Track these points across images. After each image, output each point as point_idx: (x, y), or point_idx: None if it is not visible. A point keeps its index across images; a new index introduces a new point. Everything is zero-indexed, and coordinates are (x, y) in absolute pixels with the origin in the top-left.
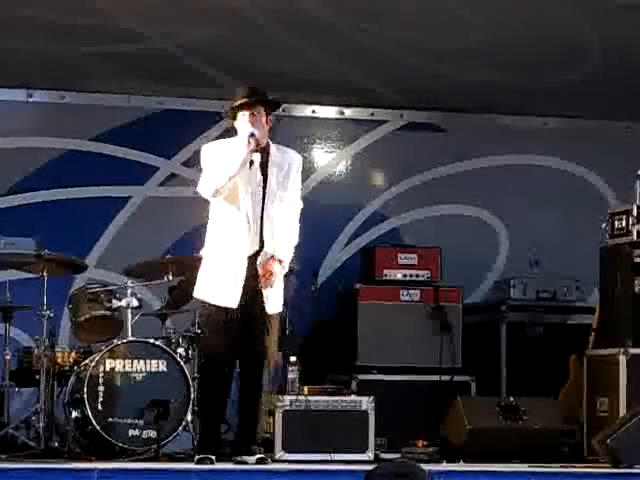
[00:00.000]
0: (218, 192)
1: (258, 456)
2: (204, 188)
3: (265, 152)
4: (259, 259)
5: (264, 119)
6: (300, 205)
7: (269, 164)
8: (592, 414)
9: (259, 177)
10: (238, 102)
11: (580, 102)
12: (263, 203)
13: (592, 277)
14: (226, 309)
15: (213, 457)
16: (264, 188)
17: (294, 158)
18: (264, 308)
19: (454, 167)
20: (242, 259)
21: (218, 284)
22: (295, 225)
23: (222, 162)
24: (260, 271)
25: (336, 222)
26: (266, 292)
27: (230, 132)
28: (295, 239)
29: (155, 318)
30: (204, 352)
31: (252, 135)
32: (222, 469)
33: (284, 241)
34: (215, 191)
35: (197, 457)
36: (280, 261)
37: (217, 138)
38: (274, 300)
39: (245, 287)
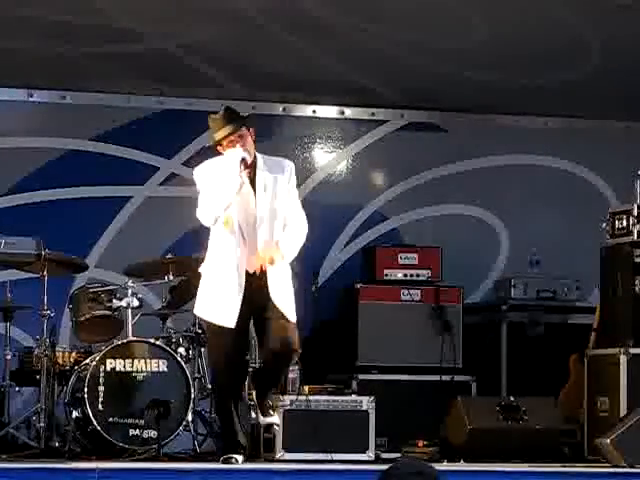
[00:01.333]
0: (217, 221)
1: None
2: (203, 217)
3: (252, 167)
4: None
5: (249, 137)
6: (300, 211)
7: (257, 179)
8: (593, 414)
9: (249, 193)
10: (221, 135)
11: (580, 102)
12: (256, 218)
13: (592, 277)
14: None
15: (237, 457)
16: (255, 204)
17: (283, 166)
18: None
19: (454, 167)
20: (240, 278)
21: (217, 303)
22: (300, 230)
23: (216, 184)
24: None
25: (336, 222)
26: (280, 302)
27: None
28: (300, 240)
29: (156, 318)
30: (212, 367)
31: (243, 160)
32: (222, 469)
33: (288, 240)
34: (214, 220)
35: (223, 457)
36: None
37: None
38: (289, 309)
39: (254, 302)
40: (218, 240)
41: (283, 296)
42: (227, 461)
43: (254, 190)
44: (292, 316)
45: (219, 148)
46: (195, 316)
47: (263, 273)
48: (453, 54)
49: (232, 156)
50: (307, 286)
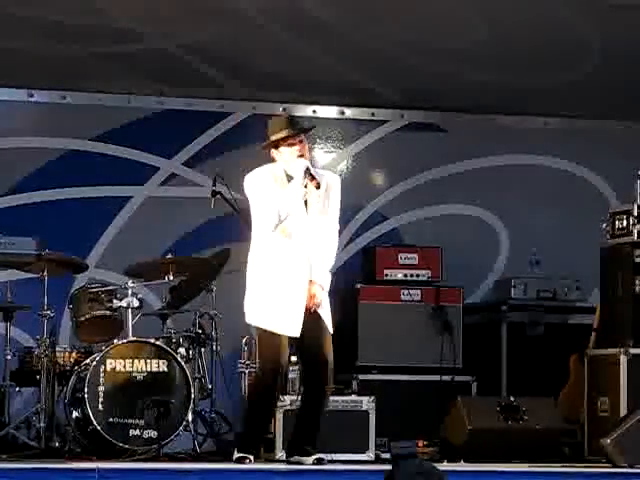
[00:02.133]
0: (277, 227)
1: (315, 457)
2: (264, 225)
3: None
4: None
5: (307, 146)
6: (337, 227)
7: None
8: (593, 414)
9: (301, 203)
10: (281, 135)
11: (580, 102)
12: (308, 228)
13: (592, 277)
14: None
15: (251, 457)
16: (308, 214)
17: (332, 180)
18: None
19: (454, 167)
20: (301, 285)
21: (279, 312)
22: (333, 248)
23: (275, 192)
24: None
25: None
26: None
27: (229, 135)
28: (332, 262)
29: (156, 318)
30: (262, 368)
31: (308, 170)
32: (222, 469)
33: (322, 265)
34: (275, 228)
35: (236, 456)
36: (320, 286)
37: (217, 138)
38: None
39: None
40: (272, 247)
41: (325, 309)
42: (241, 461)
43: (305, 201)
44: (330, 328)
45: (273, 151)
46: (195, 316)
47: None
48: (453, 54)
49: (296, 165)
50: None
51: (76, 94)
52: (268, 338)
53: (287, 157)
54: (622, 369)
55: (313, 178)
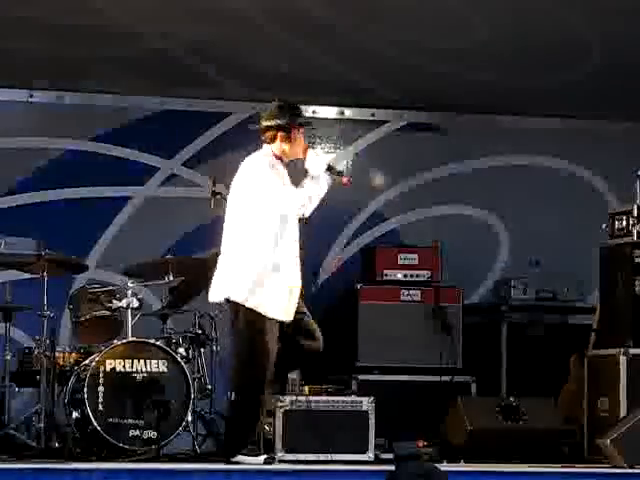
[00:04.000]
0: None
1: (265, 456)
2: (293, 205)
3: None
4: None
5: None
6: None
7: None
8: (592, 414)
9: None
10: (300, 121)
11: (580, 102)
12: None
13: (592, 277)
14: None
15: (276, 456)
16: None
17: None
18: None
19: (454, 167)
20: (295, 272)
21: (278, 300)
22: None
23: (284, 182)
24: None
25: (336, 222)
26: None
27: (229, 135)
28: None
29: (155, 318)
30: (259, 360)
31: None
32: (222, 469)
33: None
34: (303, 209)
35: (266, 457)
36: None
37: (217, 138)
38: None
39: None
40: (282, 233)
41: None
42: (270, 461)
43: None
44: None
45: (281, 135)
46: (195, 316)
47: None
48: (453, 54)
49: (314, 161)
50: (307, 286)
51: (76, 94)
52: (262, 322)
53: (295, 147)
54: (622, 369)
55: (340, 173)
